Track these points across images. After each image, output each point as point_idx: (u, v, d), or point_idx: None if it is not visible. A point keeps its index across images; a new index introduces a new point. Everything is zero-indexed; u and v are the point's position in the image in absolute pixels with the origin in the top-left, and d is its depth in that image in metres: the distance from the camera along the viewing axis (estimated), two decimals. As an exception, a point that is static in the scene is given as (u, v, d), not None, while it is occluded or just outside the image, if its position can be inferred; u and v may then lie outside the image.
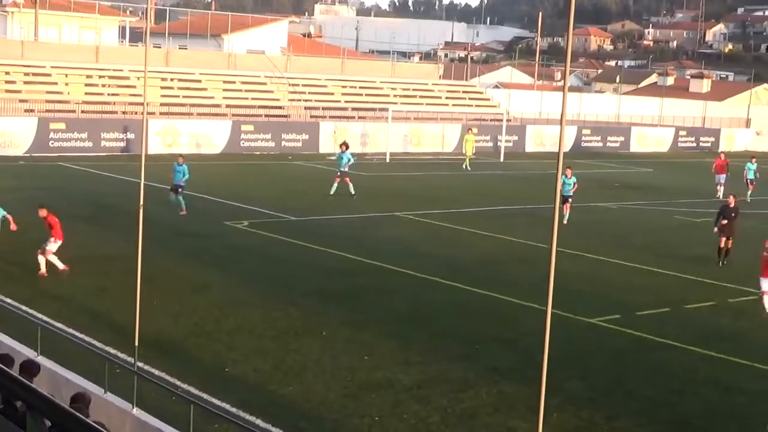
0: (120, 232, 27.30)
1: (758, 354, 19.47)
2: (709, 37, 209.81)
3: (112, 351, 16.89)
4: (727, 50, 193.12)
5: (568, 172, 33.96)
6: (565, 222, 32.85)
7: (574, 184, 34.13)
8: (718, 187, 46.11)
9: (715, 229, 29.09)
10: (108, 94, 56.00)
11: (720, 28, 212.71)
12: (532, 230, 31.32)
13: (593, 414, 15.69)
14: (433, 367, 17.66)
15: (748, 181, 46.75)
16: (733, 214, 29.10)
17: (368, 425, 14.80)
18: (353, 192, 38.39)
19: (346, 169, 38.91)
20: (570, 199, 34.18)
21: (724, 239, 28.79)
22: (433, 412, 15.39)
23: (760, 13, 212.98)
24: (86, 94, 55.40)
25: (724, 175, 46.26)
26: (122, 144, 50.77)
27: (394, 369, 17.39)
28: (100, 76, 57.57)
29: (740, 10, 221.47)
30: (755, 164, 47.38)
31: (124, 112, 54.25)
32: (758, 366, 18.78)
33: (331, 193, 38.52)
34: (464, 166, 52.69)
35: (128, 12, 75.68)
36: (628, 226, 36.07)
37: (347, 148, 40.02)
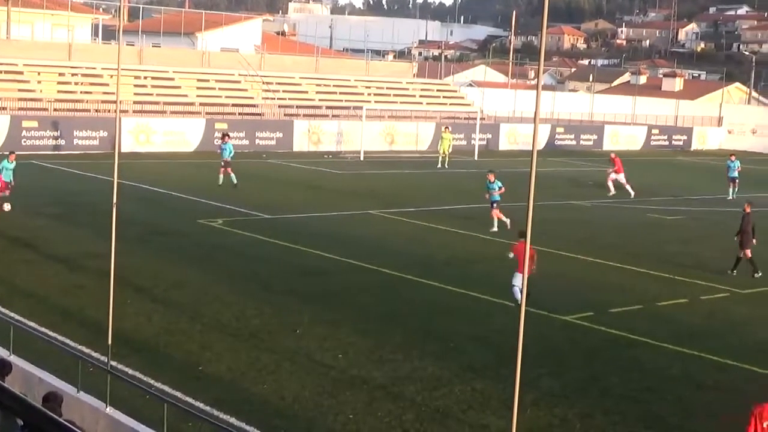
0: (93, 230, 27.18)
1: (730, 351, 19.60)
2: (681, 36, 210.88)
3: (86, 350, 16.83)
4: (699, 49, 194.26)
5: (491, 176, 32.85)
6: (494, 229, 31.94)
7: (500, 188, 32.52)
8: (623, 186, 44.40)
9: (736, 238, 27.30)
10: (81, 92, 55.66)
11: (692, 27, 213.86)
12: (505, 229, 31.37)
13: (567, 411, 15.74)
14: (407, 364, 17.67)
15: (730, 179, 46.15)
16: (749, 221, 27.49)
17: (342, 423, 14.79)
18: (235, 182, 39.03)
19: (229, 160, 39.74)
20: (495, 204, 32.61)
21: (745, 250, 27.07)
22: (407, 410, 15.40)
23: (731, 13, 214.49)
24: (59, 92, 55.02)
25: (622, 174, 44.75)
26: (95, 142, 50.46)
27: (369, 367, 17.40)
28: (72, 74, 57.23)
29: (712, 10, 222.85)
30: (736, 161, 46.64)
31: (97, 111, 53.97)
32: (730, 362, 18.90)
33: (220, 183, 39.24)
34: (439, 164, 52.67)
35: (101, 10, 75.30)
36: (600, 223, 36.21)
37: (229, 138, 40.97)
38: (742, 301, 24.39)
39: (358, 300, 22.36)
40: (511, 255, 22.87)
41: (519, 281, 21.37)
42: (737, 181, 46.09)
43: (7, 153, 32.59)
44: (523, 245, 22.87)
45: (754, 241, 27.14)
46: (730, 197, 45.07)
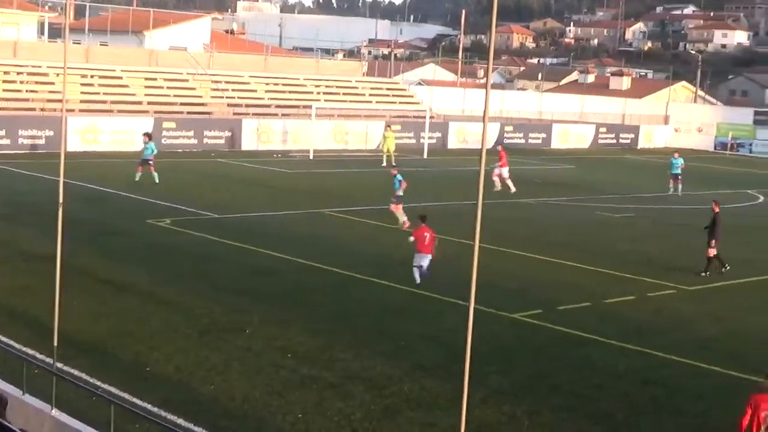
0: (40, 230, 26.86)
1: (676, 347, 19.82)
2: (628, 35, 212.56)
3: (31, 351, 16.64)
4: (646, 48, 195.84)
5: (395, 171, 33.02)
6: (401, 224, 31.59)
7: (401, 181, 32.39)
8: (504, 181, 43.71)
9: (713, 242, 27.03)
10: (26, 91, 55.11)
11: (639, 26, 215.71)
12: (455, 227, 31.42)
13: (515, 408, 15.82)
14: (356, 363, 17.67)
15: (672, 176, 46.76)
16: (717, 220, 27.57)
17: (291, 423, 14.75)
18: (157, 180, 39.54)
19: (151, 158, 40.34)
20: (395, 200, 32.60)
21: (713, 250, 27.11)
22: (356, 409, 15.39)
23: (678, 12, 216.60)
24: (4, 90, 54.35)
25: (506, 168, 44.07)
26: (41, 141, 49.87)
27: (318, 366, 17.37)
28: (18, 73, 56.50)
29: (659, 9, 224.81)
30: (680, 159, 47.16)
31: (42, 110, 53.41)
32: (676, 359, 19.12)
33: (137, 180, 39.57)
34: (384, 163, 52.60)
35: (47, 7, 74.61)
36: (549, 222, 36.38)
37: (150, 139, 41.44)
38: (688, 298, 24.67)
39: (308, 299, 22.33)
40: (411, 239, 24.06)
41: (419, 261, 23.52)
42: (680, 177, 46.60)
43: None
44: (423, 230, 23.87)
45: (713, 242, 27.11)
46: (671, 192, 45.78)
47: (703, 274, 26.86)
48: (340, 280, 24.43)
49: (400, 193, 32.36)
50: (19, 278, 22.52)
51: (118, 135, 52.67)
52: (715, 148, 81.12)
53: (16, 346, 16.98)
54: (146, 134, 42.24)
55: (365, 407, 15.50)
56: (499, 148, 45.95)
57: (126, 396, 15.08)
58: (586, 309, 22.75)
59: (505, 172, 43.85)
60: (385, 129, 56.94)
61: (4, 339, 17.43)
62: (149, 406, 14.81)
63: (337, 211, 35.26)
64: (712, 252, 27.06)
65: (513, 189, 42.87)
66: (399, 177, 32.46)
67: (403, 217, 31.90)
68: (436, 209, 33.15)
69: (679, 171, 46.63)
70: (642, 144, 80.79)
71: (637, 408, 16.36)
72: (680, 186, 46.37)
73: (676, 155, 47.43)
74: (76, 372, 15.96)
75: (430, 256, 23.87)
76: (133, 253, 26.30)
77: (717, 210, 27.53)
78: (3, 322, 18.80)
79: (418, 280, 23.63)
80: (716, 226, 27.16)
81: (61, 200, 14.33)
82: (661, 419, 15.91)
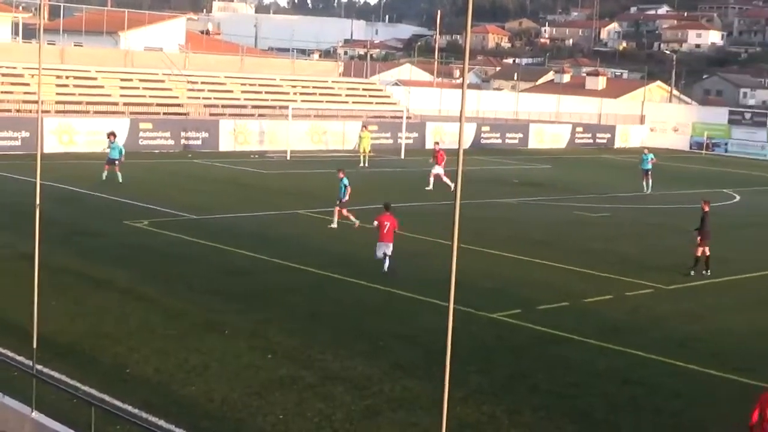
0: (16, 231, 26.74)
1: (654, 346, 19.92)
2: (603, 35, 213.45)
3: (10, 354, 16.57)
4: (621, 48, 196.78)
5: (341, 173, 32.19)
6: (333, 226, 31.83)
7: (346, 186, 31.75)
8: (441, 179, 43.41)
9: (699, 239, 27.09)
10: (1, 92, 54.79)
11: (614, 26, 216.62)
12: (431, 226, 31.48)
13: (495, 408, 15.85)
14: (336, 364, 17.67)
15: (644, 171, 47.36)
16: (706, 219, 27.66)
17: (272, 424, 14.74)
18: (120, 180, 39.56)
19: (119, 159, 40.52)
20: (339, 205, 32.11)
21: (701, 248, 27.21)
22: (336, 410, 15.39)
23: (652, 12, 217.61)
24: (-22, 91, 54.16)
25: (441, 167, 43.81)
26: (17, 143, 49.60)
27: (297, 367, 17.37)
28: (-8, 74, 56.31)
29: (633, 9, 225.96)
30: (650, 154, 47.92)
31: (18, 111, 53.14)
32: (653, 357, 19.20)
33: (103, 179, 39.60)
34: (361, 163, 52.65)
35: (21, 8, 74.12)
36: (527, 221, 36.46)
37: (115, 137, 41.67)
38: (665, 297, 24.77)
39: (286, 299, 22.32)
40: (375, 223, 24.99)
41: (381, 249, 24.74)
42: (650, 173, 47.18)
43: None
44: (386, 217, 24.31)
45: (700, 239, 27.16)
46: (646, 191, 46.06)
47: (692, 272, 26.97)
48: (316, 280, 24.42)
49: (346, 198, 32.08)
50: (-4, 280, 22.43)
51: (94, 136, 52.24)
52: (690, 148, 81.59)
53: (-6, 348, 16.94)
54: (111, 134, 42.14)
55: (346, 408, 15.51)
56: (436, 147, 45.84)
57: (106, 398, 15.04)
58: (565, 308, 22.83)
59: (440, 170, 43.83)
60: (362, 129, 56.91)
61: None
62: (130, 408, 14.78)
63: (314, 212, 35.24)
64: (700, 250, 27.14)
65: (451, 186, 42.36)
66: (345, 182, 31.88)
67: (336, 218, 32.07)
68: (413, 209, 33.16)
69: (650, 166, 47.33)
70: (618, 144, 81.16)
71: (616, 407, 16.43)
72: (650, 181, 46.78)
73: (646, 151, 48.34)
74: (55, 374, 15.88)
75: (391, 245, 24.62)
76: (111, 253, 26.21)
77: (707, 209, 27.58)
78: (-20, 325, 18.74)
79: (385, 268, 24.34)
80: (705, 225, 27.23)
81: (38, 201, 14.29)
82: (640, 418, 15.98)
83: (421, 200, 39.29)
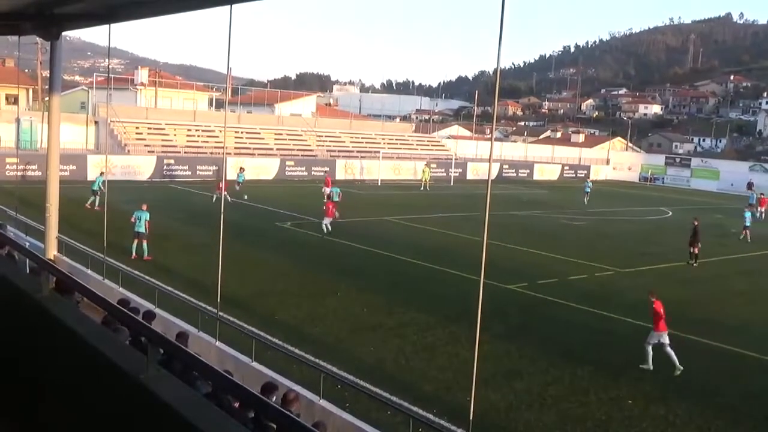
0: (205, 228, 26.94)
1: (615, 308, 19.55)
2: (583, 107, 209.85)
3: (202, 305, 16.32)
4: (594, 115, 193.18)
5: (328, 179, 28.02)
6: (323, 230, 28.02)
7: (339, 194, 27.94)
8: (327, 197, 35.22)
9: (694, 243, 26.78)
10: (201, 141, 55.76)
11: (590, 101, 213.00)
12: (470, 228, 31.18)
13: (509, 346, 15.70)
14: (407, 315, 17.61)
15: (585, 193, 50.22)
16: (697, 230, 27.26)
17: (367, 353, 14.76)
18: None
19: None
20: (331, 204, 28.92)
21: (694, 248, 26.86)
22: (407, 345, 15.35)
23: (615, 92, 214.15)
24: (187, 142, 55.02)
25: (329, 188, 37.48)
26: (210, 174, 50.22)
27: (382, 316, 17.36)
28: (196, 130, 57.15)
29: (603, 90, 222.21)
30: (589, 182, 52.50)
31: (211, 153, 53.95)
32: (614, 316, 18.84)
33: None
34: (422, 188, 52.27)
35: (214, 89, 75.49)
36: (531, 226, 35.91)
37: (244, 170, 40.96)
38: (623, 276, 24.25)
39: (372, 273, 22.18)
40: (327, 190, 23.74)
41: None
42: (588, 193, 50.14)
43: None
44: (329, 204, 24.12)
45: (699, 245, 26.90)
46: (585, 202, 48.13)
47: (691, 262, 26.62)
48: (393, 262, 24.30)
49: (336, 198, 30.19)
50: (192, 257, 22.69)
51: (257, 169, 53.00)
52: (639, 181, 79.72)
53: (194, 301, 17.10)
54: (241, 168, 40.87)
55: (413, 344, 15.45)
56: (326, 175, 42.43)
57: (262, 334, 15.01)
58: (555, 283, 22.46)
59: (327, 190, 37.36)
60: (425, 166, 56.67)
61: (190, 298, 17.35)
62: (277, 341, 14.80)
63: (397, 218, 35.14)
64: (696, 249, 26.79)
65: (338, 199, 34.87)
66: (336, 189, 29.41)
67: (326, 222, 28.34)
68: (456, 217, 32.78)
69: (588, 190, 50.70)
70: (592, 177, 79.42)
71: (588, 345, 16.17)
72: (587, 199, 49.10)
73: (588, 180, 52.35)
74: (231, 318, 16.05)
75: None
76: (266, 243, 26.40)
77: (696, 223, 27.39)
78: (185, 285, 18.84)
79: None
80: (697, 233, 26.90)
81: (222, 209, 14.50)
82: (601, 350, 15.74)
83: (461, 212, 38.94)
